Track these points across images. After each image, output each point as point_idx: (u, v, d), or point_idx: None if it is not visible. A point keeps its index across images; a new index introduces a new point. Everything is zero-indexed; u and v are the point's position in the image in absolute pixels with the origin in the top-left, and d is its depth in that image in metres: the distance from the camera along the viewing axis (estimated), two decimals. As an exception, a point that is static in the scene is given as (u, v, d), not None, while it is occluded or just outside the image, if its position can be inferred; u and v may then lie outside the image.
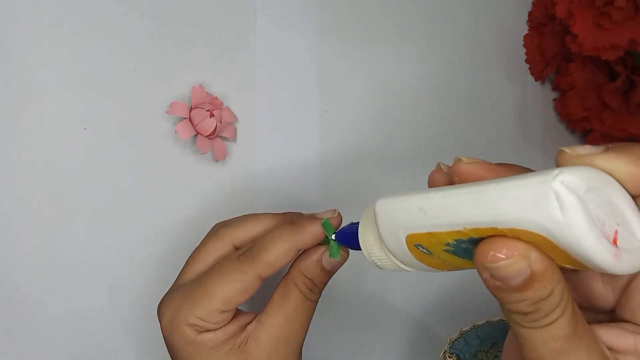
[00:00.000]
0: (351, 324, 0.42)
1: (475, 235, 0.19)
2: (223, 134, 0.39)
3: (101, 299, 0.38)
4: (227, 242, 0.30)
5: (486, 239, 0.18)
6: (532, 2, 0.46)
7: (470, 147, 0.45)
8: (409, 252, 0.23)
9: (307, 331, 0.30)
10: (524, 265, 0.18)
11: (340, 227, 0.29)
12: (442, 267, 0.23)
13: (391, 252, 0.24)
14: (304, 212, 0.32)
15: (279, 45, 0.41)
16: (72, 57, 0.38)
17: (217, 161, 0.39)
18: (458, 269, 0.23)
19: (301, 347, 0.30)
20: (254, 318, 0.30)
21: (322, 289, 0.30)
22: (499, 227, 0.18)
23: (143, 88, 0.39)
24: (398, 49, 0.44)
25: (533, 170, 0.20)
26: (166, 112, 0.37)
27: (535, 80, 0.46)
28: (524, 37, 0.46)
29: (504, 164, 0.21)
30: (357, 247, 0.26)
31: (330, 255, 0.29)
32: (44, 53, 0.37)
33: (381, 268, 0.26)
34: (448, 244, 0.20)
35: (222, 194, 0.40)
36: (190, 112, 0.38)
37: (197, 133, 0.37)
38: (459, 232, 0.19)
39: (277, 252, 0.28)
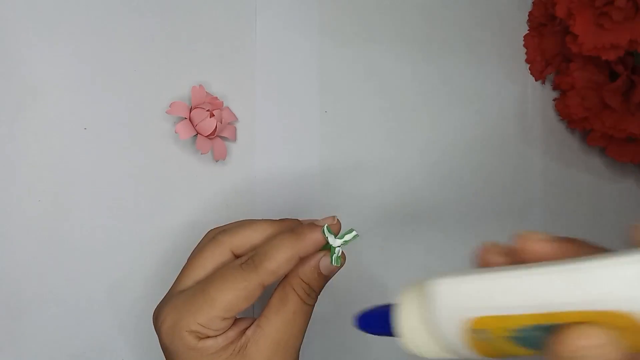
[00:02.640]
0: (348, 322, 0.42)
1: (555, 321, 0.18)
2: (223, 134, 0.39)
3: (101, 298, 0.38)
4: (226, 249, 0.30)
5: (570, 326, 0.17)
6: (532, 2, 0.46)
7: (470, 146, 0.45)
8: (463, 338, 0.21)
9: (304, 334, 0.30)
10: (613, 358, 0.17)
11: (364, 311, 0.27)
12: (490, 354, 0.22)
13: (439, 338, 0.22)
14: (302, 218, 0.33)
15: (279, 45, 0.41)
16: (73, 57, 0.38)
17: (217, 161, 0.39)
18: (504, 356, 0.22)
19: (299, 350, 0.31)
20: (252, 322, 0.30)
21: (319, 293, 0.31)
22: (591, 309, 0.17)
23: (143, 88, 0.39)
24: (398, 49, 0.44)
25: (605, 249, 0.20)
26: (166, 112, 0.37)
27: (535, 80, 0.46)
28: (524, 37, 0.46)
29: (573, 239, 0.20)
30: (385, 331, 0.25)
31: (332, 263, 0.29)
32: (45, 53, 0.37)
33: (417, 354, 0.24)
34: (516, 330, 0.19)
35: (222, 194, 0.40)
36: (190, 112, 0.38)
37: (197, 133, 0.37)
38: (538, 315, 0.18)
39: (280, 260, 0.28)
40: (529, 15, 0.46)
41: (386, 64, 0.44)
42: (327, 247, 0.30)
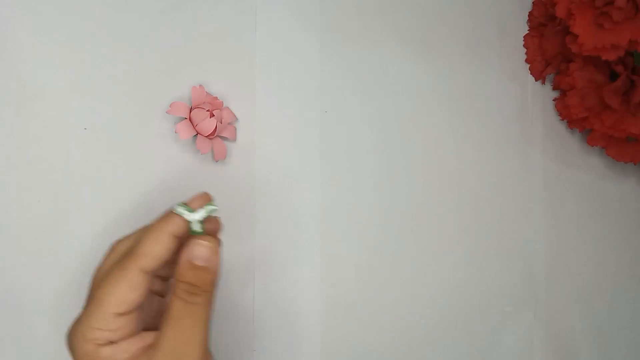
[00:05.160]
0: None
1: None
2: (223, 134, 0.39)
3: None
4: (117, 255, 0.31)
5: None
6: (532, 2, 0.46)
7: (471, 147, 0.45)
8: None
9: (205, 332, 0.29)
10: None
11: None
12: None
13: None
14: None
15: (279, 45, 0.41)
16: (72, 57, 0.38)
17: (217, 161, 0.39)
18: None
19: (205, 346, 0.29)
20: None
21: (210, 289, 0.30)
22: None
23: (143, 88, 0.39)
24: (398, 49, 0.44)
25: None
26: (166, 112, 0.37)
27: (535, 80, 0.46)
28: (524, 37, 0.46)
29: None
30: None
31: (190, 232, 0.30)
32: (45, 53, 0.37)
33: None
34: None
35: (222, 194, 0.40)
36: (191, 112, 0.38)
37: (197, 133, 0.37)
38: None
39: (150, 241, 0.29)
40: (529, 15, 0.46)
41: (386, 64, 0.44)
42: (197, 233, 0.30)
